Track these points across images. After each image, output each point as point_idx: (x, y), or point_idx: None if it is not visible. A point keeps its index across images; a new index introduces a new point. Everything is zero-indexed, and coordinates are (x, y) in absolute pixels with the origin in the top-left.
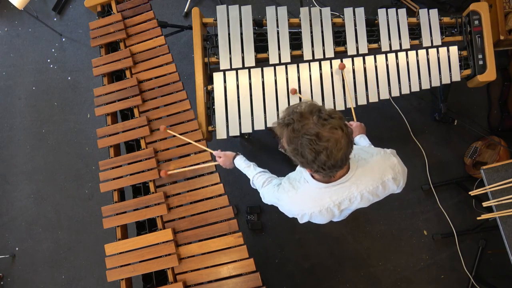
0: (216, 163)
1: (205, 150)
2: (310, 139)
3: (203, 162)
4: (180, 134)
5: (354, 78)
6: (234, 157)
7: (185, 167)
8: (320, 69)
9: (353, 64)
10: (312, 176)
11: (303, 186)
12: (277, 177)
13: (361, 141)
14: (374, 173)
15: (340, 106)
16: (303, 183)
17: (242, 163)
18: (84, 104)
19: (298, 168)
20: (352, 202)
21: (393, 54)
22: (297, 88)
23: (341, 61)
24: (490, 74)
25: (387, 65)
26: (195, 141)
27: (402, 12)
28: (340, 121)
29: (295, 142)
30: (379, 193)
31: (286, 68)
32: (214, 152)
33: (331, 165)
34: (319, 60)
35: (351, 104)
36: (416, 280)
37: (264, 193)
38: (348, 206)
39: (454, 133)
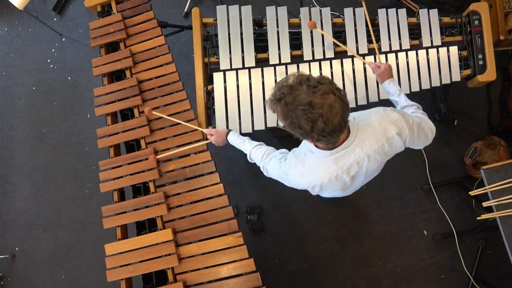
0: (207, 141)
1: (203, 139)
2: (303, 109)
3: (196, 141)
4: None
5: (354, 78)
6: (227, 134)
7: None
8: (320, 69)
9: (353, 64)
10: (316, 146)
11: (309, 157)
12: (274, 149)
13: (391, 87)
14: (376, 132)
15: None
16: (308, 154)
17: (236, 139)
18: (84, 104)
19: (302, 143)
20: (361, 165)
21: (393, 54)
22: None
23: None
24: (490, 74)
25: None
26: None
27: (402, 12)
28: (331, 86)
29: (290, 116)
30: (386, 151)
31: (286, 68)
32: (205, 130)
33: (330, 131)
34: (319, 60)
35: (375, 45)
36: (416, 280)
37: (268, 168)
38: (358, 170)
39: (454, 133)
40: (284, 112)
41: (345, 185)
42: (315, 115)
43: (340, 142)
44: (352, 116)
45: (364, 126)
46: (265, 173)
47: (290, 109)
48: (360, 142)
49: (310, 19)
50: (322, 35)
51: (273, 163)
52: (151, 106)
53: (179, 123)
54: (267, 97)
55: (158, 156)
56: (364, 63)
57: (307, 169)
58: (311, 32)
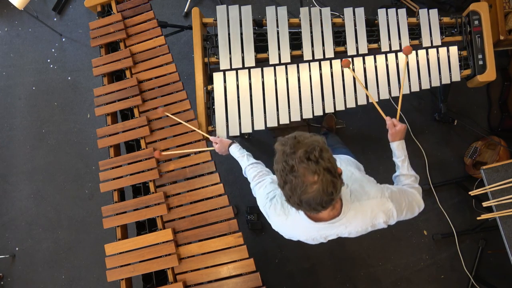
0: (212, 148)
1: (203, 139)
2: (284, 167)
3: (196, 141)
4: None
5: (354, 78)
6: (230, 145)
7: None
8: (320, 69)
9: (353, 64)
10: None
11: (294, 214)
12: (269, 173)
13: (399, 149)
14: (366, 217)
15: (340, 106)
16: (295, 211)
17: (236, 152)
18: (84, 104)
19: None
20: (340, 236)
21: (393, 54)
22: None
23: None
24: (490, 74)
25: (387, 65)
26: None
27: (402, 12)
28: (318, 167)
29: (277, 163)
30: (368, 231)
31: (286, 68)
32: (211, 138)
33: (296, 202)
34: (319, 60)
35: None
36: (416, 280)
37: (256, 193)
38: (336, 238)
39: (454, 133)
40: (277, 157)
41: (319, 243)
42: (287, 178)
43: (327, 218)
44: (349, 188)
45: (356, 208)
46: (253, 193)
47: (280, 159)
48: (347, 221)
49: (310, 19)
50: (322, 34)
51: (261, 193)
52: (150, 106)
53: (180, 123)
54: (267, 98)
55: (164, 153)
56: (381, 114)
57: (288, 223)
58: (311, 32)
